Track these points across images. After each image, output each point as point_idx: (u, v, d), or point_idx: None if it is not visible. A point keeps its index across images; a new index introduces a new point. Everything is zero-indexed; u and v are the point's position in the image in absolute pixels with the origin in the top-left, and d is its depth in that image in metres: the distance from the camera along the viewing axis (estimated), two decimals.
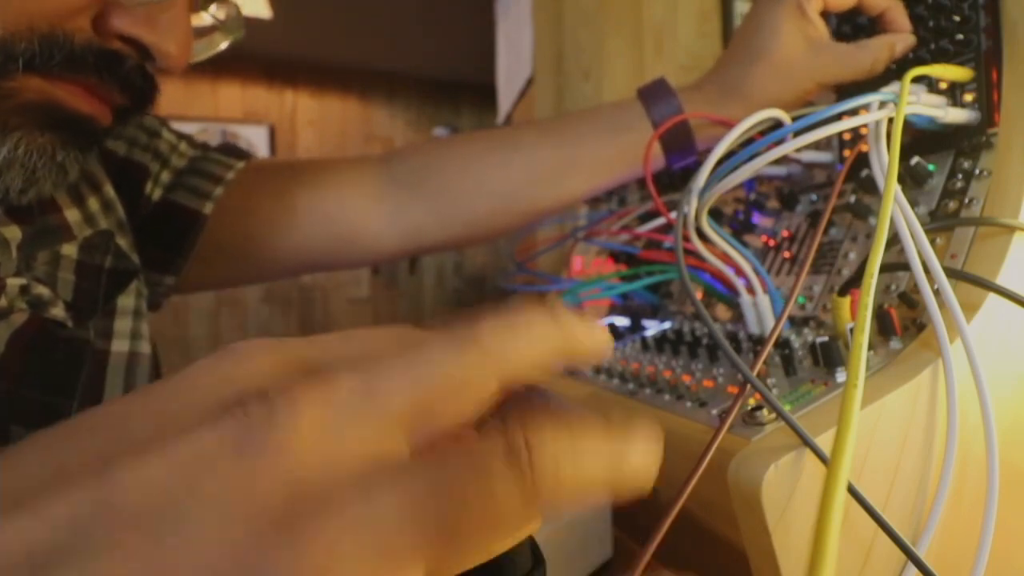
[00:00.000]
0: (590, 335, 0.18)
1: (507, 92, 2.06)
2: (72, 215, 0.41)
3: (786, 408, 0.29)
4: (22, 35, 0.29)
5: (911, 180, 0.40)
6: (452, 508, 0.13)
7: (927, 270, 0.30)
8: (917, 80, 0.39)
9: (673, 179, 0.66)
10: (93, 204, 0.43)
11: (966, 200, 0.37)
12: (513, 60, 1.93)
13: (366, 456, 0.14)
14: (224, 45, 0.42)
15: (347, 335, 0.17)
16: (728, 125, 0.41)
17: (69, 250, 0.40)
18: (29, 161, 0.31)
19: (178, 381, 0.15)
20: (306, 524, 0.13)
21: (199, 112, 3.05)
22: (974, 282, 0.31)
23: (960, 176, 0.38)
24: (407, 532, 0.13)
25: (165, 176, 0.51)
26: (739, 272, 0.44)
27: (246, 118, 3.19)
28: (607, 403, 0.43)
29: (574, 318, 0.17)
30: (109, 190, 0.45)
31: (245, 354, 0.16)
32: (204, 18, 0.41)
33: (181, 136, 0.54)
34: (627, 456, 0.15)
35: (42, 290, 0.37)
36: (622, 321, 0.61)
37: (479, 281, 3.60)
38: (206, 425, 0.14)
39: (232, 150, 0.56)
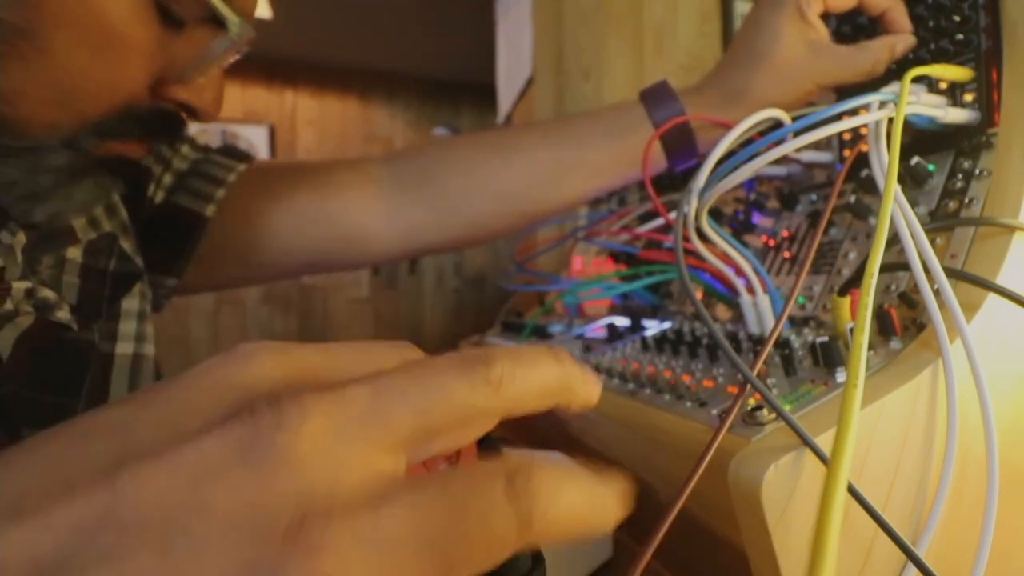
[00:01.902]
0: (585, 385, 0.19)
1: (507, 92, 2.06)
2: (76, 219, 0.41)
3: (786, 408, 0.29)
4: (105, 114, 0.32)
5: (911, 180, 0.40)
6: (455, 528, 0.14)
7: (927, 270, 0.30)
8: (917, 80, 0.39)
9: (673, 179, 0.66)
10: (97, 208, 0.44)
11: (966, 200, 0.37)
12: (513, 60, 1.93)
13: (371, 470, 0.14)
14: (229, 61, 0.42)
15: (357, 348, 0.17)
16: (729, 128, 0.41)
17: (74, 253, 0.40)
18: (95, 204, 0.39)
19: (184, 383, 0.15)
20: (314, 537, 0.13)
21: None
22: (974, 282, 0.31)
23: (960, 176, 0.38)
24: (412, 549, 0.13)
25: (167, 179, 0.52)
26: (739, 272, 0.44)
27: (246, 118, 3.19)
28: (607, 403, 0.43)
29: (575, 367, 0.19)
30: (113, 194, 0.46)
31: (251, 357, 0.15)
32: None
33: (183, 138, 0.54)
34: (607, 498, 0.16)
35: (47, 293, 0.37)
36: (622, 321, 0.61)
37: (479, 281, 3.60)
38: (214, 431, 0.14)
39: (234, 152, 0.56)
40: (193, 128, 0.43)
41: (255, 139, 3.18)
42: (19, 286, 0.35)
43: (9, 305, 0.35)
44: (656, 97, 0.51)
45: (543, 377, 0.17)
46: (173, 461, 0.13)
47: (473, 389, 0.16)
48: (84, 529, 0.12)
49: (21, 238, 0.36)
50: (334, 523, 0.13)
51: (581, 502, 0.16)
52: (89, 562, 0.12)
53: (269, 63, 3.18)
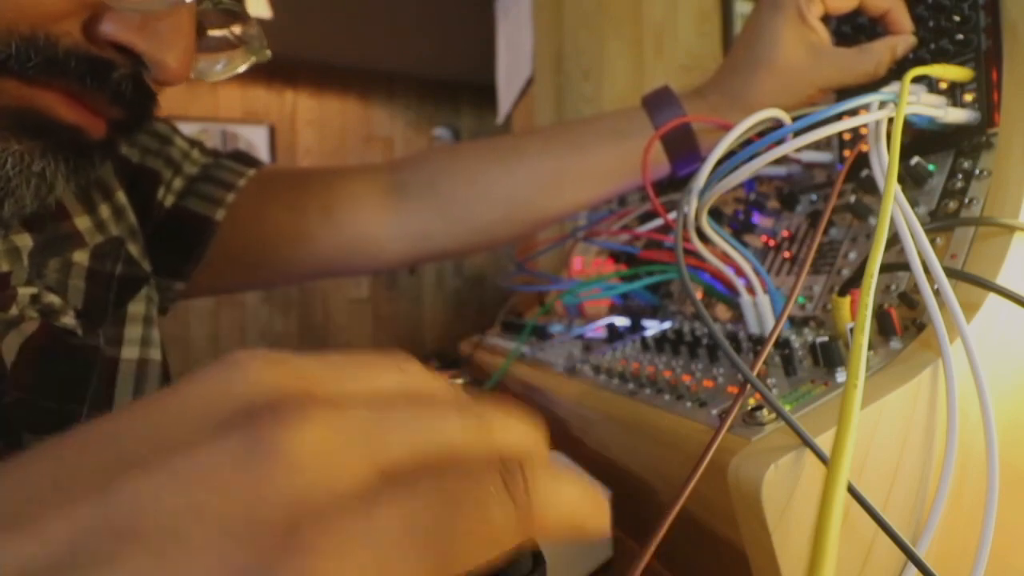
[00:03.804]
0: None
1: (507, 92, 2.06)
2: (83, 222, 0.41)
3: (786, 408, 0.29)
4: (28, 36, 0.27)
5: (911, 180, 0.40)
6: (451, 527, 0.14)
7: (927, 270, 0.30)
8: (917, 80, 0.39)
9: (673, 179, 0.66)
10: (104, 211, 0.44)
11: (966, 200, 0.37)
12: (513, 60, 1.93)
13: (365, 476, 0.14)
14: (245, 67, 0.41)
15: (356, 361, 0.17)
16: (731, 130, 0.41)
17: (80, 257, 0.40)
18: (1, 169, 0.29)
19: (179, 393, 0.15)
20: (309, 540, 0.13)
21: (199, 112, 3.05)
22: (974, 282, 0.31)
23: (960, 176, 0.38)
24: (407, 549, 0.13)
25: (178, 183, 0.52)
26: (739, 272, 0.44)
27: (246, 118, 3.19)
28: (607, 403, 0.43)
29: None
30: (120, 197, 0.46)
31: (248, 366, 0.15)
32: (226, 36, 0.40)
33: (193, 143, 0.55)
34: (601, 496, 0.16)
35: (53, 298, 0.37)
36: (622, 321, 0.61)
37: (479, 281, 3.59)
38: (209, 438, 0.14)
39: (243, 157, 0.56)
40: (193, 128, 0.42)
41: (255, 139, 3.17)
42: (24, 291, 0.35)
43: (14, 310, 0.34)
44: (658, 102, 0.51)
45: (535, 435, 0.18)
46: (167, 468, 0.13)
47: (469, 434, 0.16)
48: (78, 537, 0.12)
49: (28, 241, 0.36)
50: (327, 524, 0.13)
51: (578, 497, 0.16)
52: (82, 569, 0.12)
53: (269, 63, 3.17)
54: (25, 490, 0.13)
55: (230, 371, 0.15)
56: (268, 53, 0.42)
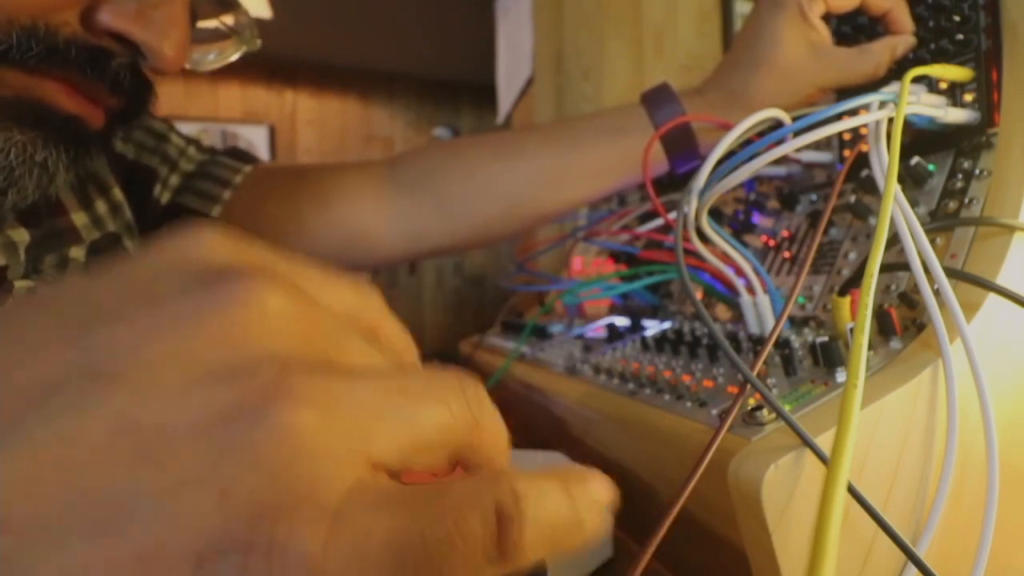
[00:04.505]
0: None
1: (507, 92, 2.06)
2: (79, 218, 0.41)
3: (786, 408, 0.29)
4: (0, 27, 0.28)
5: (911, 180, 0.40)
6: (437, 552, 0.13)
7: (927, 270, 0.30)
8: (917, 80, 0.39)
9: (673, 179, 0.66)
10: (101, 207, 0.44)
11: (966, 200, 0.37)
12: (513, 60, 1.93)
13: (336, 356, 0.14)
14: (236, 56, 0.42)
15: (317, 275, 0.17)
16: (730, 129, 0.41)
17: (77, 253, 0.40)
18: (5, 160, 0.29)
19: (149, 254, 0.15)
20: (298, 389, 0.12)
21: (199, 112, 3.05)
22: (974, 282, 0.31)
23: (960, 176, 0.38)
24: (386, 423, 0.13)
25: (174, 180, 0.52)
26: (739, 272, 0.44)
27: (246, 118, 3.19)
28: (607, 403, 0.43)
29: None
30: (117, 193, 0.46)
31: (212, 235, 0.15)
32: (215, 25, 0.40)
33: (189, 140, 0.55)
34: (586, 510, 0.15)
35: None
36: (622, 321, 0.61)
37: (479, 281, 3.60)
38: (183, 293, 0.13)
39: (239, 154, 0.56)
40: (192, 128, 0.43)
41: (255, 139, 3.17)
42: (21, 285, 0.35)
43: None
44: (657, 99, 0.51)
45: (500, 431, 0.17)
46: (143, 317, 0.13)
47: (453, 420, 0.15)
48: (49, 384, 0.12)
49: (24, 236, 0.36)
50: (313, 376, 0.13)
51: (562, 508, 0.15)
52: (53, 413, 0.12)
53: (269, 63, 3.18)
54: None
55: (196, 238, 0.15)
56: (259, 42, 0.42)
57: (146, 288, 0.14)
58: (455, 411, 0.15)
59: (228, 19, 0.41)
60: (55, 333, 0.13)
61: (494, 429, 0.16)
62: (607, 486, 0.16)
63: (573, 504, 0.15)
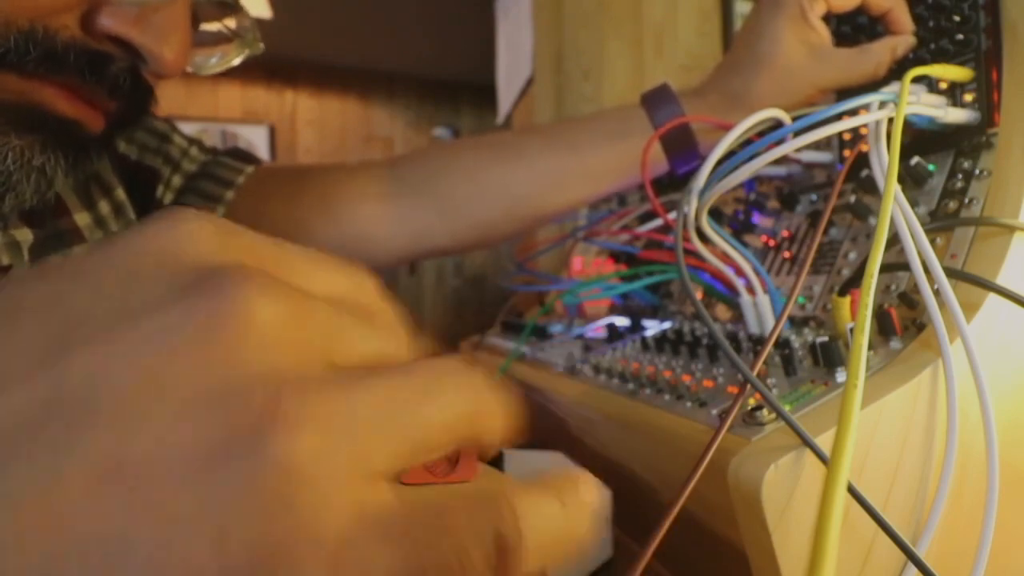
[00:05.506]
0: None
1: (507, 92, 2.06)
2: (82, 219, 0.41)
3: (786, 408, 0.29)
4: (26, 30, 0.27)
5: (911, 180, 0.40)
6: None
7: (927, 270, 0.30)
8: (917, 80, 0.39)
9: (673, 179, 0.66)
10: (103, 208, 0.44)
11: (966, 200, 0.37)
12: (513, 60, 1.93)
13: (331, 359, 0.14)
14: (239, 60, 0.42)
15: (309, 258, 0.16)
16: (730, 130, 0.41)
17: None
18: (2, 164, 0.29)
19: (119, 250, 0.13)
20: (293, 414, 0.12)
21: (199, 112, 3.05)
22: (974, 282, 0.31)
23: (960, 176, 0.38)
24: (385, 432, 0.13)
25: (176, 180, 0.52)
26: (739, 272, 0.44)
27: (246, 118, 3.19)
28: (607, 403, 0.43)
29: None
30: (120, 194, 0.46)
31: (192, 225, 0.14)
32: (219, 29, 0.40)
33: (191, 140, 0.55)
34: (582, 498, 0.15)
35: None
36: (622, 321, 0.61)
37: (479, 281, 3.59)
38: (162, 305, 0.12)
39: (241, 154, 0.56)
40: (192, 128, 0.43)
41: (255, 139, 3.17)
42: None
43: None
44: (657, 100, 0.51)
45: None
46: (118, 337, 0.12)
47: (445, 409, 0.15)
48: (27, 421, 0.11)
49: (28, 236, 0.36)
50: (307, 397, 0.12)
51: (553, 528, 0.15)
52: (37, 454, 0.11)
53: (269, 63, 3.18)
54: None
55: (177, 229, 0.14)
56: (261, 46, 0.42)
57: (124, 291, 0.13)
58: (457, 406, 0.14)
59: (230, 22, 0.40)
60: (24, 359, 0.12)
61: (498, 416, 0.15)
62: (598, 489, 0.16)
63: (568, 515, 0.15)
